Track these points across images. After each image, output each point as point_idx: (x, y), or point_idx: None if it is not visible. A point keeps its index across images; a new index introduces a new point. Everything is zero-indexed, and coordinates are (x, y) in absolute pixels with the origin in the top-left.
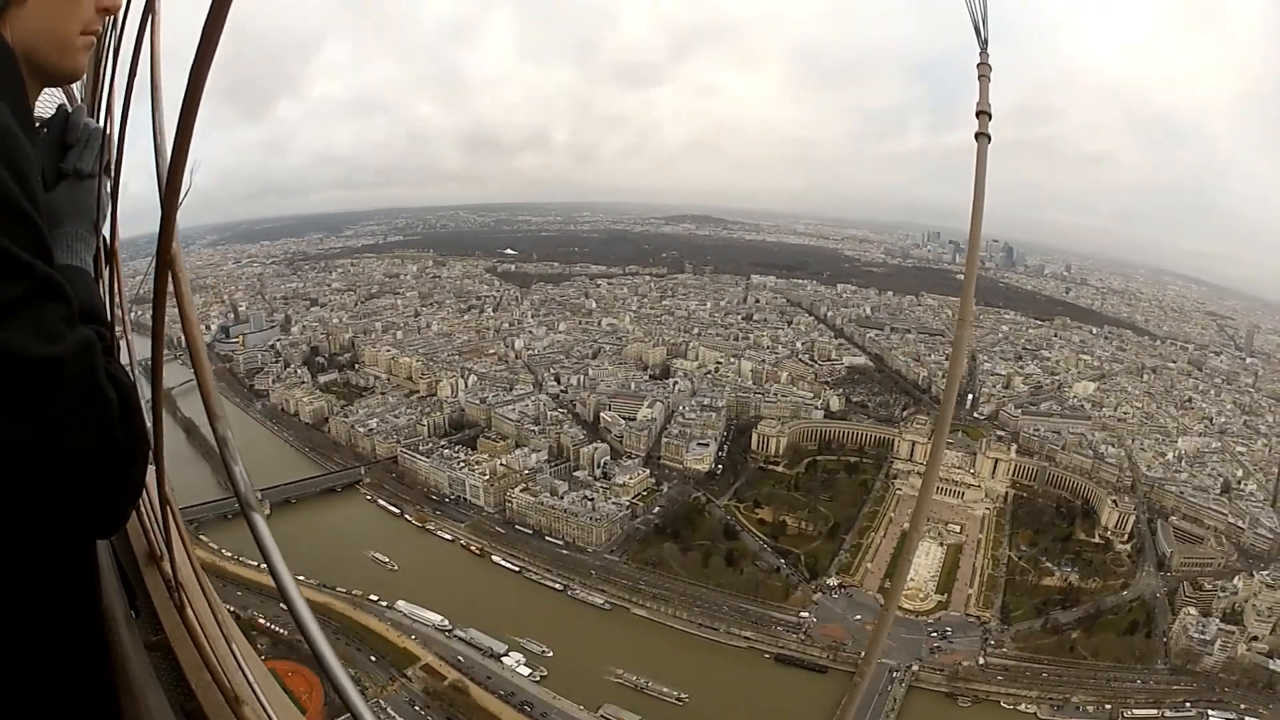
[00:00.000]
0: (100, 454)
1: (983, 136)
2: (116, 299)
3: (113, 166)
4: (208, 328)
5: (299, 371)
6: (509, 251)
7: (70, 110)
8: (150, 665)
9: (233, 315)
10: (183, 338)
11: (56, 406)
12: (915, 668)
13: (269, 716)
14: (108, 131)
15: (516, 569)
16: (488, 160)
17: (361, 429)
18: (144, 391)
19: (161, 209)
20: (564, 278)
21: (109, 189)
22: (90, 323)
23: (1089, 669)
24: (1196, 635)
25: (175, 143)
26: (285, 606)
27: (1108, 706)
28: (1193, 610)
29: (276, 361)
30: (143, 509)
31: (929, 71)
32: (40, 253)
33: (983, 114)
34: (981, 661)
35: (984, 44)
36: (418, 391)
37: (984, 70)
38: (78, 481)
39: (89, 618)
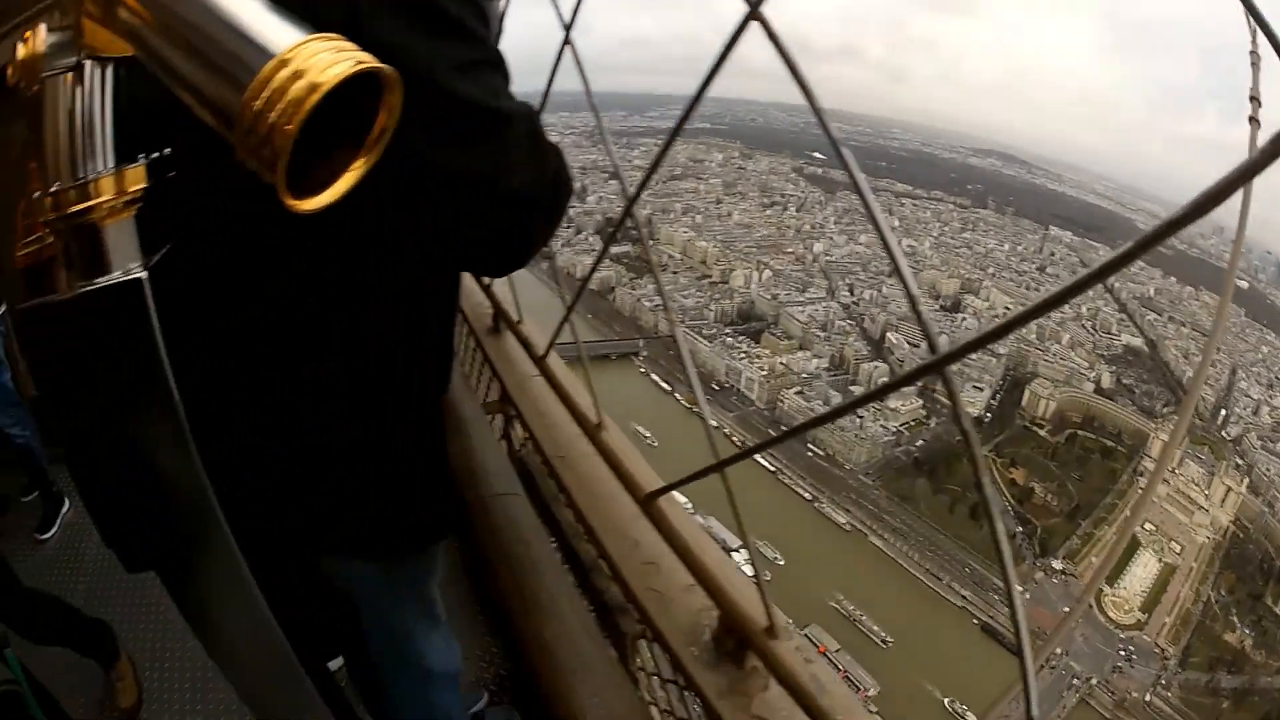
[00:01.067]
0: (535, 196)
1: (1253, 122)
2: None
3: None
4: None
5: (590, 239)
6: (816, 155)
7: None
8: (488, 420)
9: None
10: None
11: (506, 148)
12: (1094, 681)
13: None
14: None
15: (772, 469)
16: (802, 62)
17: (647, 303)
18: None
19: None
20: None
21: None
22: None
23: None
24: None
25: None
26: None
27: None
28: None
29: (568, 227)
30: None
31: (1220, 55)
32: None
33: (1253, 99)
34: (1147, 698)
35: (1253, 31)
36: (710, 277)
37: (1254, 59)
38: (507, 216)
39: (442, 370)
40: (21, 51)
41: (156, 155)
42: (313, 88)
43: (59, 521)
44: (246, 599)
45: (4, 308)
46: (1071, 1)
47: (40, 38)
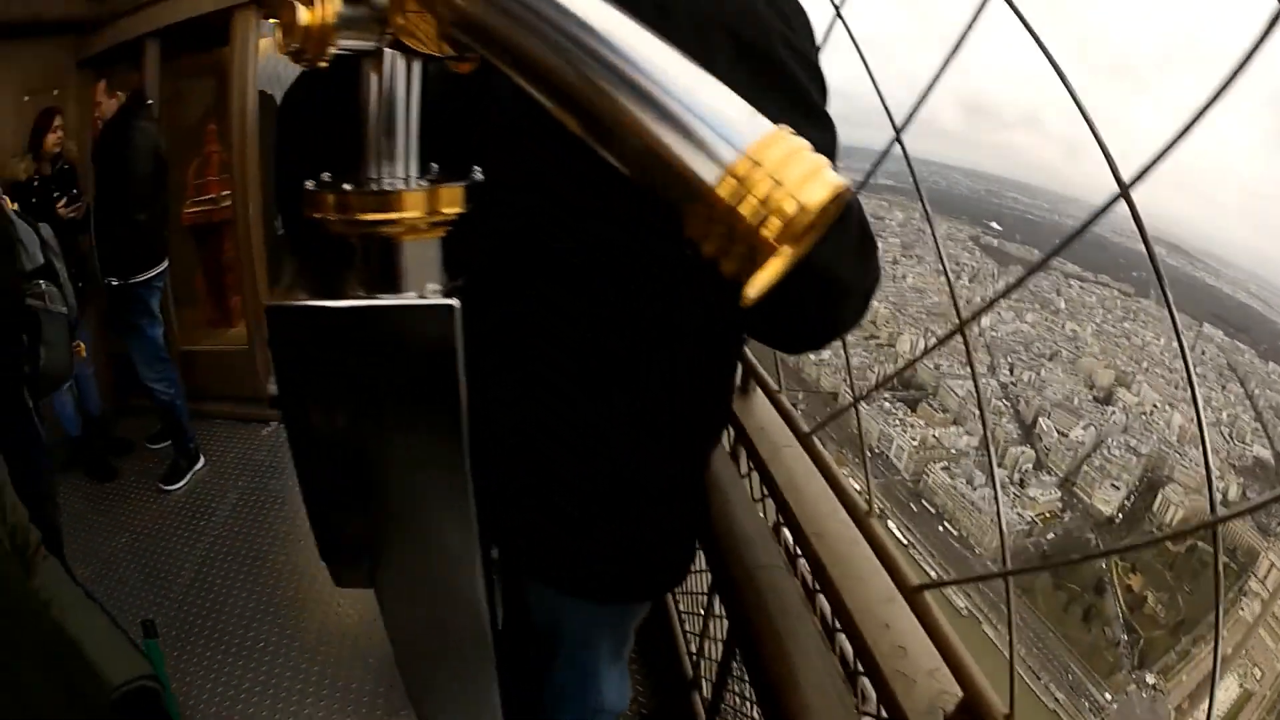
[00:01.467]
0: (854, 284)
1: None
2: None
3: None
4: None
5: None
6: (994, 225)
7: None
8: (745, 483)
9: None
10: None
11: (842, 235)
12: None
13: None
14: None
15: (905, 543)
16: (985, 127)
17: (813, 356)
18: None
19: None
20: (1041, 268)
21: None
22: None
23: None
24: None
25: None
26: None
27: None
28: None
29: None
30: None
31: None
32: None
33: None
34: None
35: None
36: (877, 338)
37: None
38: (826, 301)
39: (720, 424)
40: (307, 17)
41: (476, 179)
42: (800, 209)
43: (189, 477)
44: (474, 613)
45: (166, 263)
46: (1238, 84)
47: (332, 7)
